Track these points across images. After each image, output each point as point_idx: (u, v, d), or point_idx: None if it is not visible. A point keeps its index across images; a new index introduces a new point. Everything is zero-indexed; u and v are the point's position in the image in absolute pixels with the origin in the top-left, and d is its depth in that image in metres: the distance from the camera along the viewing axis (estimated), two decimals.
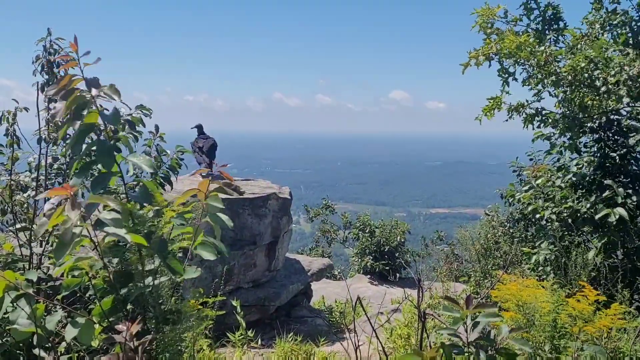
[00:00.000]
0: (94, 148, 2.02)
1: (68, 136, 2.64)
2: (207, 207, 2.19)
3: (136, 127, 3.14)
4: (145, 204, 2.10)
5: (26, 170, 4.09)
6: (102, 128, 2.06)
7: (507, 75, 6.96)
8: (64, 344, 2.45)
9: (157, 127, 4.09)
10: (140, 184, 2.16)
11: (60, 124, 1.99)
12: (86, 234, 1.94)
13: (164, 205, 2.15)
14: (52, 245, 3.48)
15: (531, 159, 7.86)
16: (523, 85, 7.02)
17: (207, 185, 2.20)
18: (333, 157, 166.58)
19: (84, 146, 2.03)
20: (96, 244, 1.99)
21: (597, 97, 6.41)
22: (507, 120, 7.22)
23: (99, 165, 2.05)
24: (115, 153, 2.04)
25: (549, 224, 6.87)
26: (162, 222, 2.11)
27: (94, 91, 1.95)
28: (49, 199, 1.94)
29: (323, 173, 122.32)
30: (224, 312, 5.77)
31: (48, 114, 3.95)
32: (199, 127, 8.95)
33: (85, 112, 1.97)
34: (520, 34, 6.95)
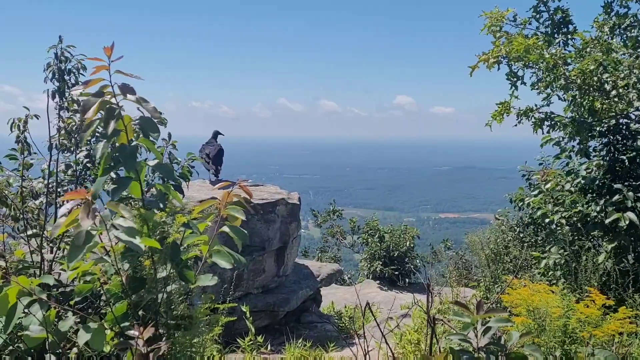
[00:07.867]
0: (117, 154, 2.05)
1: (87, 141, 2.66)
2: (228, 219, 2.18)
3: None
4: (158, 210, 2.12)
5: (39, 177, 4.13)
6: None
7: (515, 79, 6.94)
8: (75, 349, 2.47)
9: (169, 135, 4.12)
10: (156, 188, 2.18)
11: (75, 127, 2.02)
12: (99, 239, 1.95)
13: (177, 210, 2.16)
14: (63, 252, 3.50)
15: (541, 164, 7.81)
16: (532, 89, 6.98)
17: (228, 197, 2.19)
18: (341, 163, 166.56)
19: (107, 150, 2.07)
20: (108, 249, 2.01)
21: (607, 101, 6.37)
22: (516, 125, 7.18)
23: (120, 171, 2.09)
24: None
25: (559, 228, 6.82)
26: (174, 227, 2.12)
27: (129, 97, 1.99)
28: (64, 204, 1.96)
29: (332, 178, 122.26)
30: (234, 317, 5.78)
31: (59, 121, 3.99)
32: (214, 133, 9.02)
33: (114, 117, 2.00)
34: (530, 37, 6.93)
